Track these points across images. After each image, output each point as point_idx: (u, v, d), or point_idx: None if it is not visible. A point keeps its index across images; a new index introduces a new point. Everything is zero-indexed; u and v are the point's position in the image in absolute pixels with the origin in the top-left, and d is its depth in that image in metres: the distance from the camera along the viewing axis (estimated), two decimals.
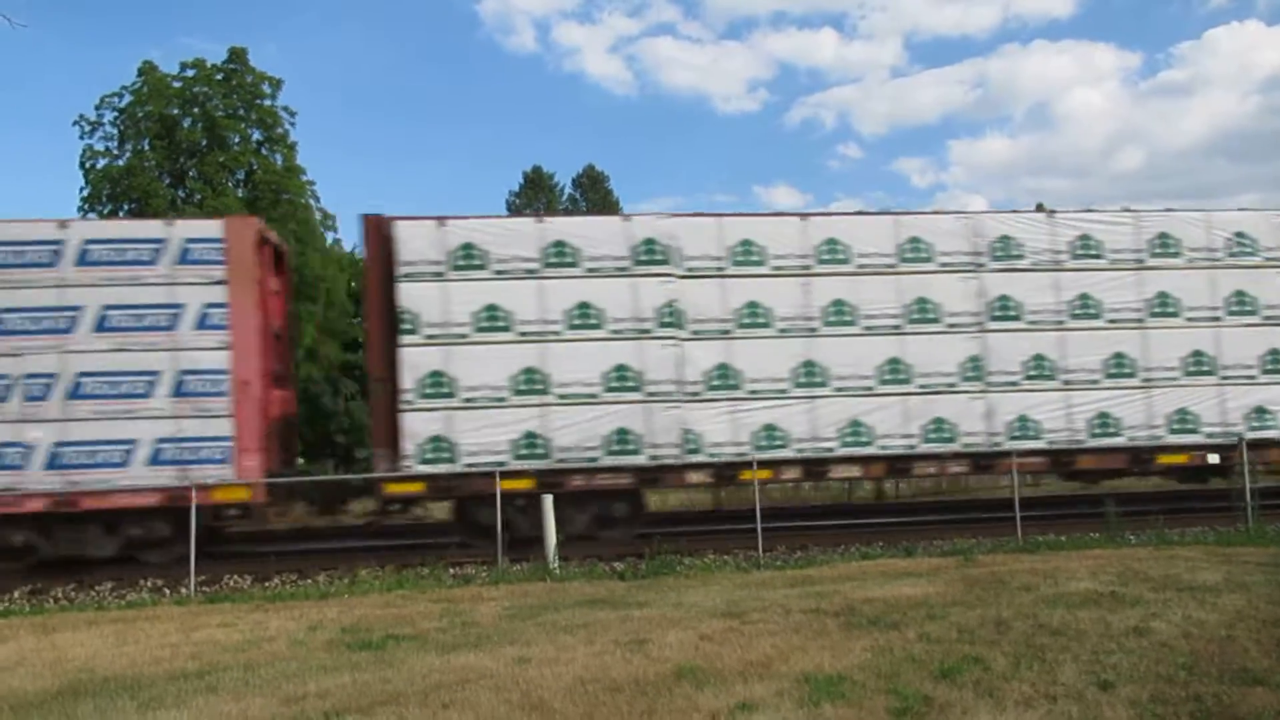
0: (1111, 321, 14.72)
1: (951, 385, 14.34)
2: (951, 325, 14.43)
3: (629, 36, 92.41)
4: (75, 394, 12.74)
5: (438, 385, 13.33)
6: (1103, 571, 9.95)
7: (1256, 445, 14.34)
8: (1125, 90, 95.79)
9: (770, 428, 13.90)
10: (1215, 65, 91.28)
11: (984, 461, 14.54)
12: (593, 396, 13.60)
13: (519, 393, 13.48)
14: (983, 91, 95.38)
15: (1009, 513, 13.39)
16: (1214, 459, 14.38)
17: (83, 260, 12.94)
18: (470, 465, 13.29)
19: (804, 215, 14.61)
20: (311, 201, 33.92)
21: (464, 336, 13.45)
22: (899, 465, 14.49)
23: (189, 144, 31.94)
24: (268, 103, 33.56)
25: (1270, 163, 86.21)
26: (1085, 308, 14.69)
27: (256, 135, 33.76)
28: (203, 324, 13.00)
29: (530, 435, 13.47)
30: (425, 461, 13.27)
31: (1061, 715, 5.21)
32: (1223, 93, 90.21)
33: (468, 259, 13.55)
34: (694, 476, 14.02)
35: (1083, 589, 8.93)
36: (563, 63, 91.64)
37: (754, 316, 14.05)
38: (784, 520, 15.52)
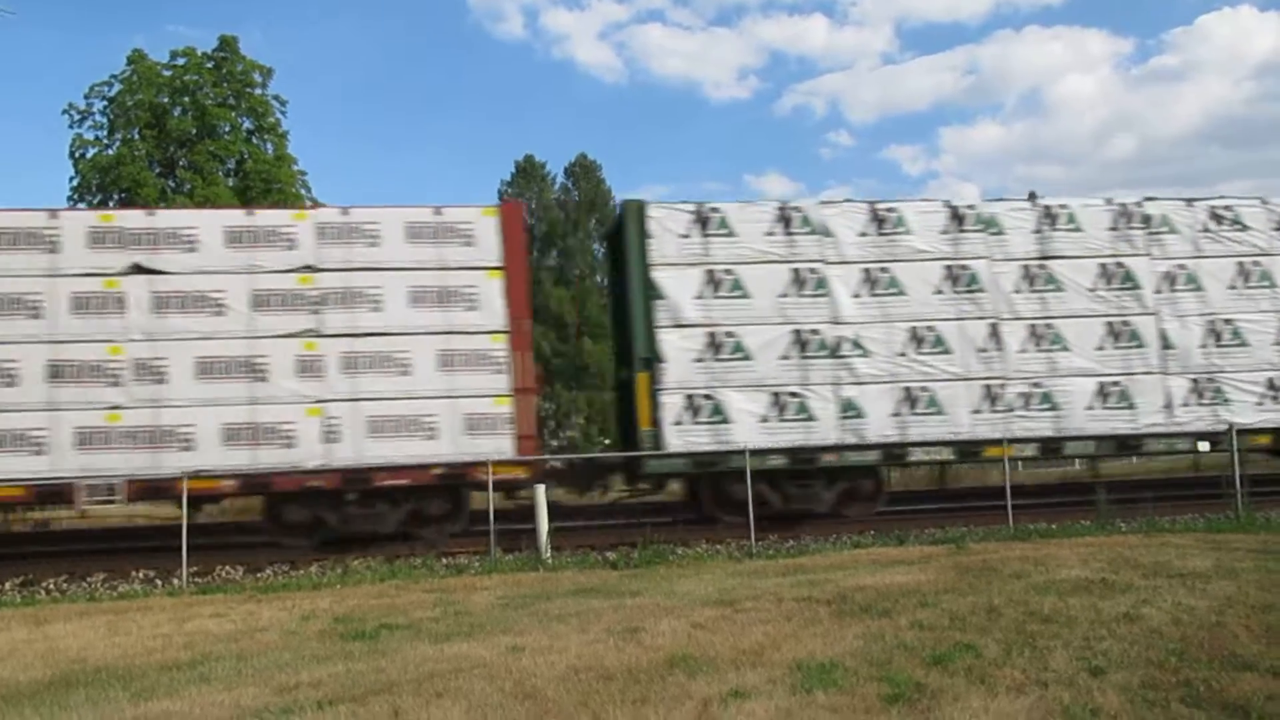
0: None
1: None
2: None
3: (618, 23, 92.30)
4: None
5: None
6: (1094, 559, 9.99)
7: None
8: (1117, 76, 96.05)
9: None
10: (1208, 51, 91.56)
11: None
12: None
13: None
14: (975, 78, 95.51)
15: (1001, 501, 13.44)
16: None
17: None
18: None
19: None
20: (303, 191, 33.78)
21: None
22: None
23: (179, 133, 31.78)
24: (258, 92, 33.41)
25: (1264, 149, 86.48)
26: None
27: (247, 124, 33.60)
28: None
29: None
30: None
31: (1053, 701, 5.22)
32: (1215, 79, 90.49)
33: None
34: None
35: (1074, 576, 8.96)
36: (551, 50, 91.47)
37: None
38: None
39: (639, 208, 14.13)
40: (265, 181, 31.96)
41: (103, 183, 31.03)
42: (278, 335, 12.91)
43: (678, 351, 13.71)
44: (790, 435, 13.83)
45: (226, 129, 32.53)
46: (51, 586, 12.02)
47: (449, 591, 10.03)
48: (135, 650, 7.69)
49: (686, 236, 13.99)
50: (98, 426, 12.44)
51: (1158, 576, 8.79)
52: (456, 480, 13.22)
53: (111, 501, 12.38)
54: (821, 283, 14.14)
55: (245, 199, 30.32)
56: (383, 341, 13.07)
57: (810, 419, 13.87)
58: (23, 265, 12.57)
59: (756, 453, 13.31)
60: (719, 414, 13.69)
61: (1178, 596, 7.84)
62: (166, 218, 13.35)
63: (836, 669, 5.98)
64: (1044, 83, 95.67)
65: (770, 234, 14.15)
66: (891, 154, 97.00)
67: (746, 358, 13.83)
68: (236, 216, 13.44)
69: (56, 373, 12.42)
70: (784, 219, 14.23)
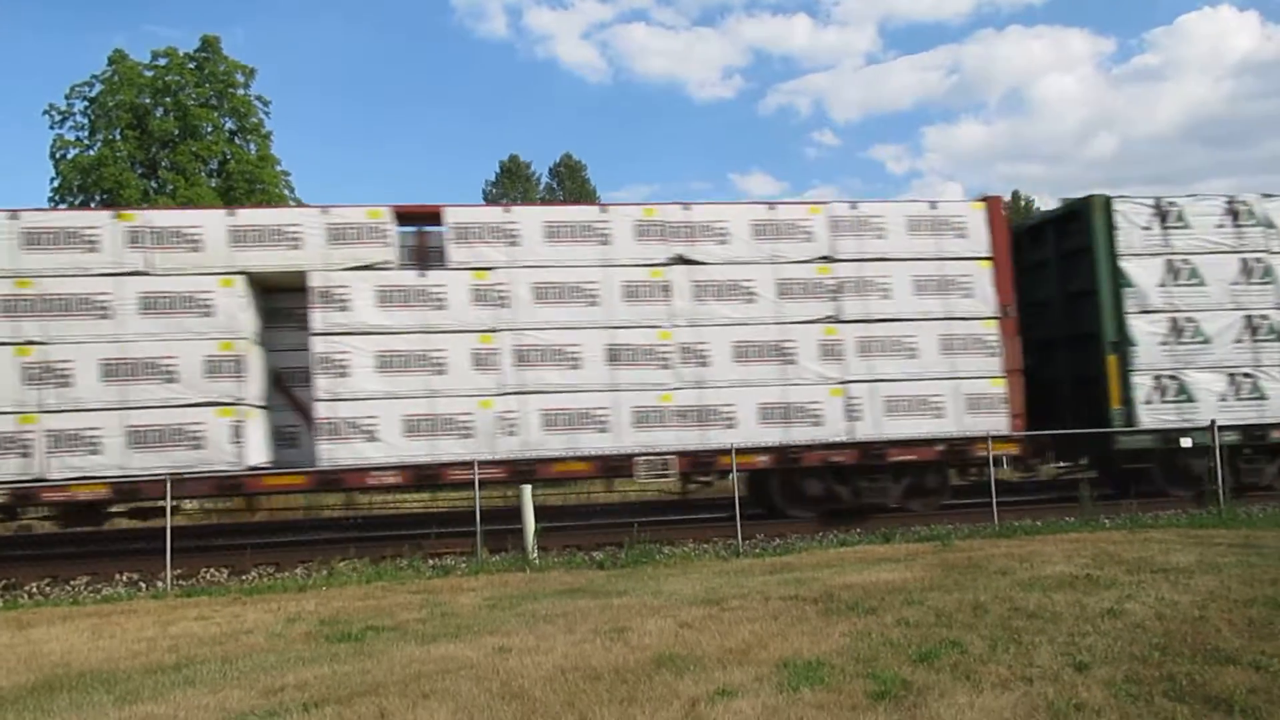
0: None
1: None
2: None
3: (601, 23, 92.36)
4: None
5: None
6: (1078, 555, 10.05)
7: None
8: (1099, 76, 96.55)
9: None
10: (1188, 50, 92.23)
11: None
12: None
13: None
14: (958, 78, 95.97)
15: (985, 498, 13.50)
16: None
17: None
18: None
19: None
20: (286, 191, 33.64)
21: None
22: None
23: (161, 134, 31.56)
24: (241, 92, 33.23)
25: (1243, 148, 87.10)
26: None
27: (229, 125, 33.42)
28: None
29: None
30: None
31: (1038, 696, 5.26)
32: (1196, 78, 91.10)
33: None
34: None
35: (1058, 572, 9.02)
36: (535, 50, 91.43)
37: None
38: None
39: (1105, 202, 15.07)
40: (249, 182, 31.81)
41: (84, 184, 30.80)
42: (802, 321, 13.88)
43: (1145, 336, 14.79)
44: (1244, 413, 14.89)
45: (209, 129, 32.33)
46: (34, 590, 11.94)
47: (435, 593, 10.00)
48: (119, 654, 7.65)
49: (1148, 229, 15.01)
50: (653, 406, 13.46)
51: (1141, 572, 8.86)
52: (956, 456, 14.25)
53: (665, 476, 13.46)
54: (1267, 271, 15.30)
55: (228, 200, 30.18)
56: (892, 327, 14.06)
57: (1261, 398, 14.99)
58: (580, 256, 13.57)
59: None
60: (1183, 393, 14.81)
61: (1161, 591, 7.90)
62: (701, 212, 14.13)
63: (823, 667, 6.00)
64: (1026, 82, 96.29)
65: (1220, 226, 15.24)
66: (876, 153, 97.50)
67: (1205, 341, 14.95)
68: (760, 211, 14.24)
69: (614, 356, 13.43)
70: (1232, 212, 15.33)
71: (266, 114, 33.96)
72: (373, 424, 12.79)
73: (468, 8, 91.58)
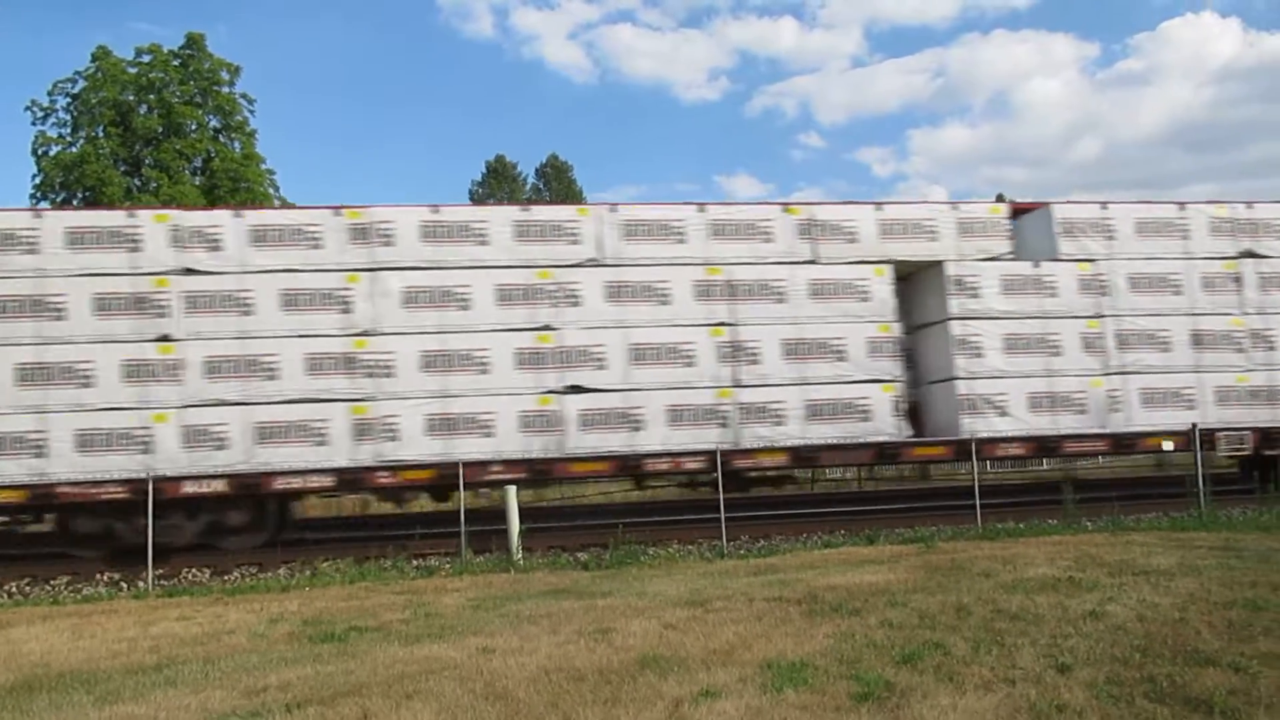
0: None
1: None
2: None
3: (588, 23, 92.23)
4: None
5: None
6: (1060, 557, 10.10)
7: None
8: (1083, 80, 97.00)
9: None
10: (1171, 56, 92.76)
11: None
12: None
13: None
14: (943, 81, 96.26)
15: (969, 501, 13.56)
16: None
17: None
18: None
19: None
20: (271, 190, 33.44)
21: None
22: None
23: (145, 131, 31.31)
24: (226, 90, 33.02)
25: (1225, 153, 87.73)
26: None
27: (214, 123, 33.20)
28: None
29: None
30: None
31: (1020, 698, 5.28)
32: (1179, 83, 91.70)
33: None
34: None
35: (1041, 574, 9.06)
36: (521, 50, 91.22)
37: None
38: (747, 510, 15.58)
39: None
40: (233, 180, 31.59)
41: (66, 181, 30.55)
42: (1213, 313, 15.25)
43: None
44: None
45: (193, 127, 32.11)
46: (14, 590, 11.85)
47: (419, 593, 9.97)
48: (100, 654, 7.59)
49: None
50: (1230, 386, 14.97)
51: (1123, 574, 8.90)
52: None
53: (1241, 450, 14.75)
54: None
55: (212, 198, 29.99)
56: None
57: None
58: (1163, 249, 15.17)
59: None
60: None
61: (1142, 594, 7.95)
62: (1262, 210, 15.63)
63: (807, 668, 6.01)
64: (1011, 86, 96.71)
65: None
66: (861, 156, 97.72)
67: None
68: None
69: (1197, 341, 14.95)
70: None
71: (251, 112, 33.79)
72: (1003, 399, 14.32)
73: (454, 7, 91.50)
